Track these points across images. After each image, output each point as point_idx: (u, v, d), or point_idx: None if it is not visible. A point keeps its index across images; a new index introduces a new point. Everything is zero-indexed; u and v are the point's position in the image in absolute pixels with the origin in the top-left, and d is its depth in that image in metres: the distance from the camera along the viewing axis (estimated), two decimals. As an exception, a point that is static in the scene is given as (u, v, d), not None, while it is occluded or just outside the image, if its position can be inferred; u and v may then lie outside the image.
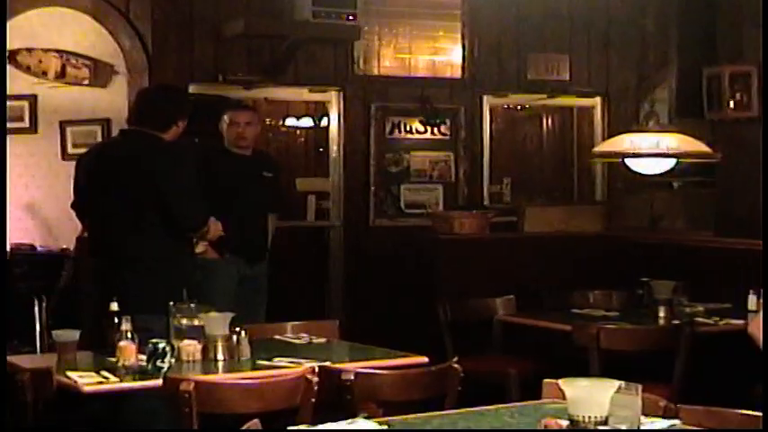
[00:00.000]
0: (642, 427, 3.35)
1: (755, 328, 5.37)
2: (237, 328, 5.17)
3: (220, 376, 4.89)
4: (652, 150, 7.49)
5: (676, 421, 3.61)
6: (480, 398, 4.24)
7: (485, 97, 9.59)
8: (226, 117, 7.33)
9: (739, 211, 8.64)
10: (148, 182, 5.76)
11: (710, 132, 8.61)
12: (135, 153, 5.86)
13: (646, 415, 3.44)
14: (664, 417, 3.63)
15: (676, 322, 6.55)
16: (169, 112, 6.00)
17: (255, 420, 3.44)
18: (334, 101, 9.17)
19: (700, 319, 6.67)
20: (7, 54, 8.71)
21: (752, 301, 6.60)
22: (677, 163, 7.79)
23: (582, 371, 5.44)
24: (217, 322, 5.18)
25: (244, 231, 6.94)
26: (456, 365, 4.86)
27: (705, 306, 6.97)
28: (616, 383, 3.23)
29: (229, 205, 6.79)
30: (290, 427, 3.55)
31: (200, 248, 6.39)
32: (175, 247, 5.90)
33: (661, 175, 7.97)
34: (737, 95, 9.07)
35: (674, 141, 7.52)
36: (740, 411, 3.64)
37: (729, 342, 6.24)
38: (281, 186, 7.74)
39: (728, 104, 9.20)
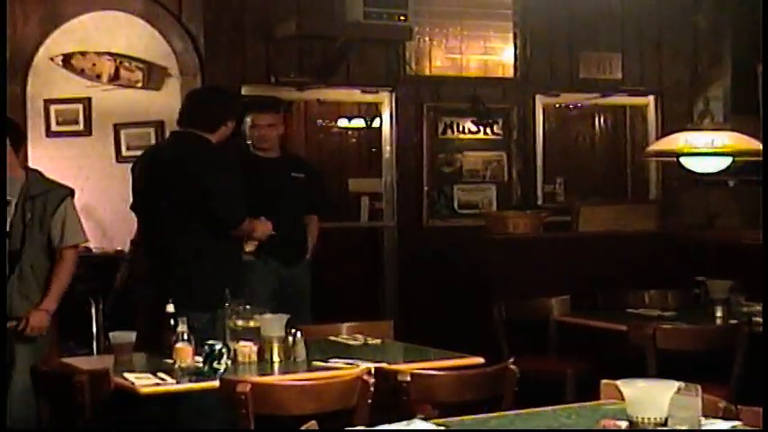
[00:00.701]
0: (702, 429, 3.32)
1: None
2: (293, 330, 5.18)
3: (276, 378, 4.90)
4: (707, 149, 7.44)
5: (737, 423, 3.57)
6: (537, 398, 4.22)
7: (537, 96, 9.57)
8: (248, 119, 7.24)
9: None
10: (195, 183, 5.83)
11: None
12: (182, 156, 5.97)
13: (705, 416, 3.40)
14: (723, 418, 3.59)
15: (734, 322, 6.50)
16: (218, 112, 6.08)
17: (313, 422, 3.44)
18: (386, 101, 9.17)
19: (757, 319, 6.61)
20: (61, 57, 8.77)
21: (810, 301, 6.52)
22: (733, 161, 7.73)
23: (638, 371, 5.40)
24: (272, 323, 5.19)
25: (277, 233, 6.82)
26: (512, 366, 4.84)
27: (763, 305, 6.91)
28: (675, 384, 3.20)
29: (260, 207, 6.69)
30: (346, 428, 3.55)
31: (249, 247, 6.39)
32: (223, 246, 5.95)
33: (716, 173, 7.92)
34: (793, 92, 9.00)
35: (729, 139, 7.47)
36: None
37: (788, 342, 6.18)
38: (319, 187, 7.65)
39: (784, 101, 9.13)
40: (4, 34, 7.68)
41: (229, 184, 5.93)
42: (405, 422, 3.62)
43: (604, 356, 6.47)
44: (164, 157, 6.12)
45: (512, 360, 4.90)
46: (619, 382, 3.30)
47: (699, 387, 3.25)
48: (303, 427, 3.40)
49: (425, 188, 9.15)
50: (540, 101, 9.59)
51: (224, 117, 6.07)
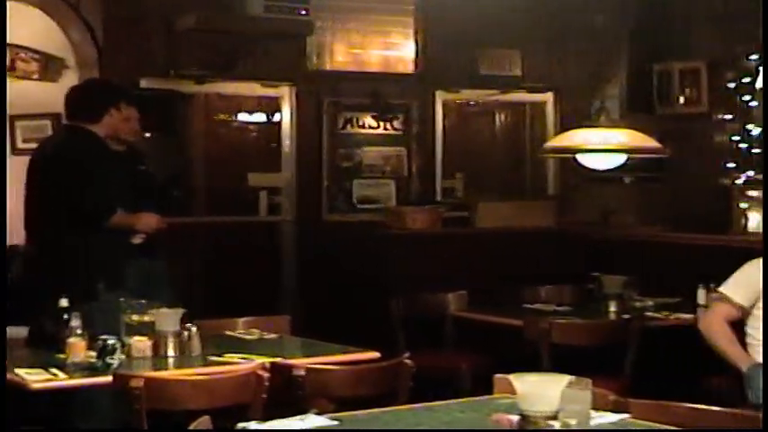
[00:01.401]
0: (592, 422, 3.36)
1: (705, 323, 5.41)
2: (188, 324, 5.14)
3: (170, 372, 4.86)
4: (602, 146, 7.53)
5: (626, 415, 3.63)
6: (432, 393, 4.24)
7: (437, 93, 9.61)
8: (114, 111, 6.42)
9: (689, 206, 8.71)
10: (73, 176, 5.84)
11: (661, 128, 8.68)
12: (61, 150, 5.99)
13: (596, 409, 3.45)
14: (614, 411, 3.65)
15: (626, 317, 6.58)
16: (96, 103, 6.09)
17: (206, 417, 3.42)
18: (286, 96, 9.16)
19: (649, 314, 6.72)
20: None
21: (701, 296, 6.62)
22: (628, 158, 7.84)
23: (534, 365, 5.46)
24: (167, 318, 5.15)
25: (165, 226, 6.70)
26: (407, 361, 4.86)
27: (655, 300, 7.03)
28: (566, 378, 3.23)
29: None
30: (240, 424, 3.54)
31: (136, 240, 6.31)
32: (102, 239, 5.90)
33: (612, 170, 8.01)
34: (687, 91, 9.18)
35: (623, 137, 7.57)
36: (689, 405, 3.67)
37: (679, 336, 6.28)
38: (155, 179, 7.56)
39: (678, 100, 9.31)
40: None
41: (101, 178, 5.89)
42: (299, 417, 3.62)
43: (501, 351, 6.51)
44: (47, 151, 6.12)
45: (407, 355, 4.92)
46: (511, 377, 3.33)
47: (589, 381, 3.29)
48: (195, 423, 3.38)
49: (325, 183, 9.15)
50: (440, 97, 9.64)
51: (104, 107, 6.06)
